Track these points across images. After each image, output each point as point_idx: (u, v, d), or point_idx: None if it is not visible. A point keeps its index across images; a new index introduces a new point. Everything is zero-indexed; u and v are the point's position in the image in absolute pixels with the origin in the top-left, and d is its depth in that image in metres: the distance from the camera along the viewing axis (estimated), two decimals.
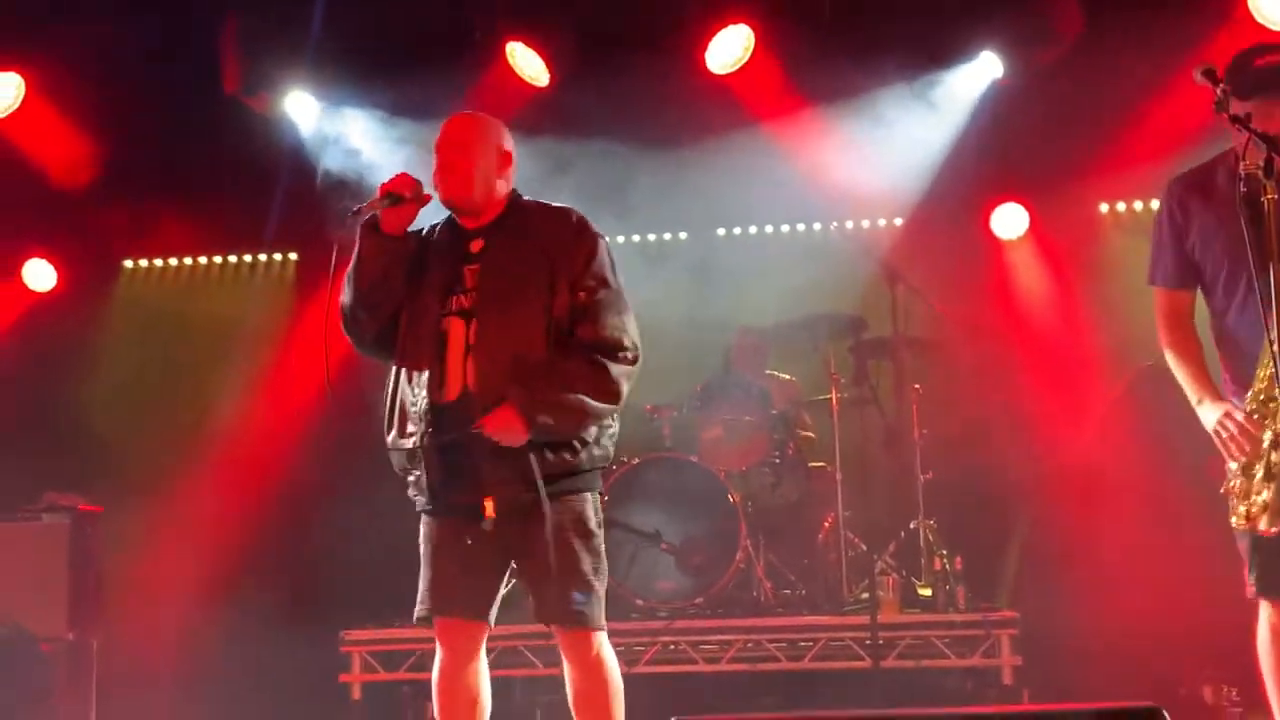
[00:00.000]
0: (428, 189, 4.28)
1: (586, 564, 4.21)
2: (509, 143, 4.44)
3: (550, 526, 4.11)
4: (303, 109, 8.01)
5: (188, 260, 9.34)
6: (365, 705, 6.97)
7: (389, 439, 4.30)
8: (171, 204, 8.59)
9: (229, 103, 7.93)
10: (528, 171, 7.08)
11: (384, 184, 4.23)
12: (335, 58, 7.72)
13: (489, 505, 4.10)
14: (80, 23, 7.65)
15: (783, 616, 7.05)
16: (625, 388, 4.20)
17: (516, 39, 7.70)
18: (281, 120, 8.05)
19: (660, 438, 7.59)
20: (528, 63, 7.81)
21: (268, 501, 8.28)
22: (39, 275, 8.96)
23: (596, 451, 4.26)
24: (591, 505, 4.27)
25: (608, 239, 4.40)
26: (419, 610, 4.27)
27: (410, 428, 4.21)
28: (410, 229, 4.32)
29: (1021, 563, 7.65)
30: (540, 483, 4.09)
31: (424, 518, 4.33)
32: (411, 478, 4.29)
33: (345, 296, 4.34)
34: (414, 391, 4.21)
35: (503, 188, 4.38)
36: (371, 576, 7.60)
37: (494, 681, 6.56)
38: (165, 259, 9.34)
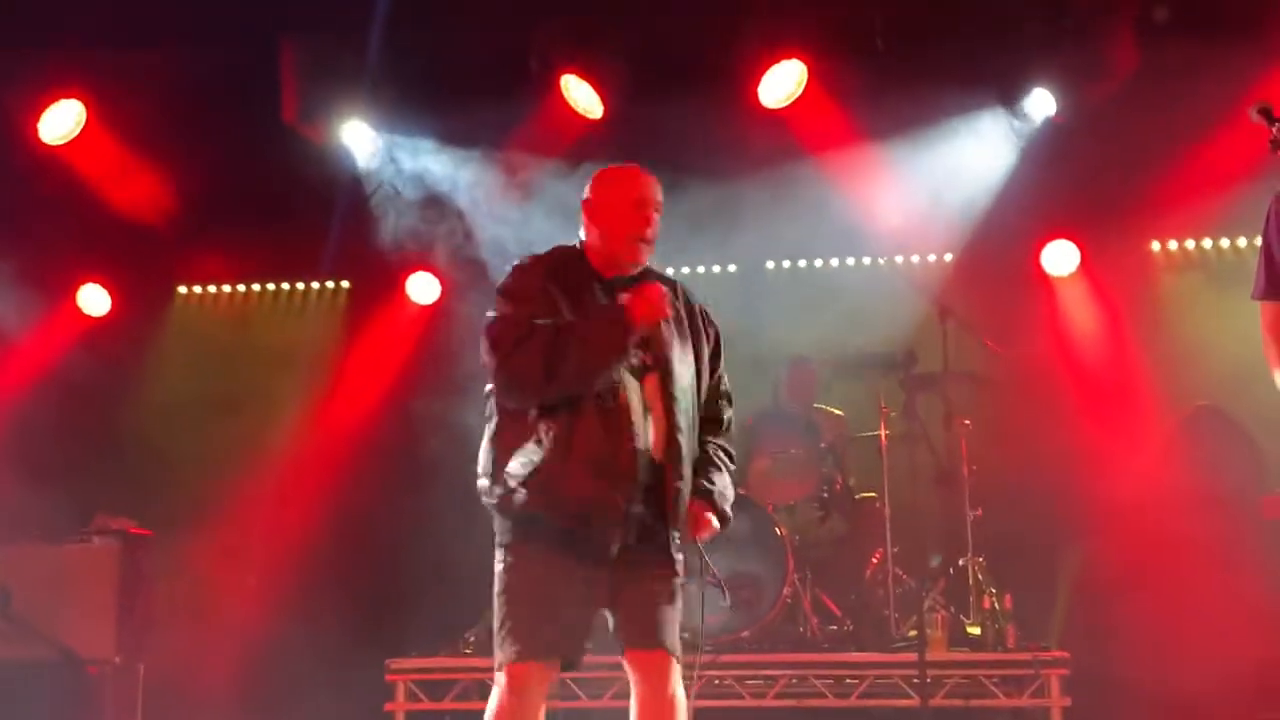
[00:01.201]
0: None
1: (679, 594, 4.36)
2: None
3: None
4: (359, 138, 8.07)
5: (241, 287, 9.40)
6: None
7: (561, 482, 4.10)
8: (226, 231, 8.66)
9: (286, 132, 8.00)
10: (577, 203, 7.14)
11: (654, 307, 4.16)
12: (392, 88, 7.78)
13: (678, 568, 4.32)
14: (141, 51, 7.76)
15: (830, 652, 7.00)
16: None
17: (571, 71, 7.74)
18: (338, 149, 8.11)
19: None
20: (582, 95, 7.84)
21: (317, 529, 8.31)
22: (94, 300, 9.04)
23: None
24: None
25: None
26: (522, 653, 4.11)
27: (604, 479, 4.08)
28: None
29: (1072, 602, 7.58)
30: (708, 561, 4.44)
31: (537, 560, 4.18)
32: (568, 523, 4.14)
33: (545, 373, 4.09)
34: (602, 445, 4.09)
35: None
36: (420, 606, 7.62)
37: None
38: (219, 285, 9.41)
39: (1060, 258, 8.38)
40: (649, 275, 4.35)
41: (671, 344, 4.24)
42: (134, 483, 8.23)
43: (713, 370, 4.43)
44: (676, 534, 4.26)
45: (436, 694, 7.02)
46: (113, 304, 9.07)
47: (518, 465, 4.13)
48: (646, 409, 4.17)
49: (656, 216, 4.30)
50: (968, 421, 7.55)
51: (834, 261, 8.95)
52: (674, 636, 4.25)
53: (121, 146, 8.36)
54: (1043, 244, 8.38)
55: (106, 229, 8.61)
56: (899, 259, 8.77)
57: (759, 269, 8.96)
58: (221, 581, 8.09)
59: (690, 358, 4.30)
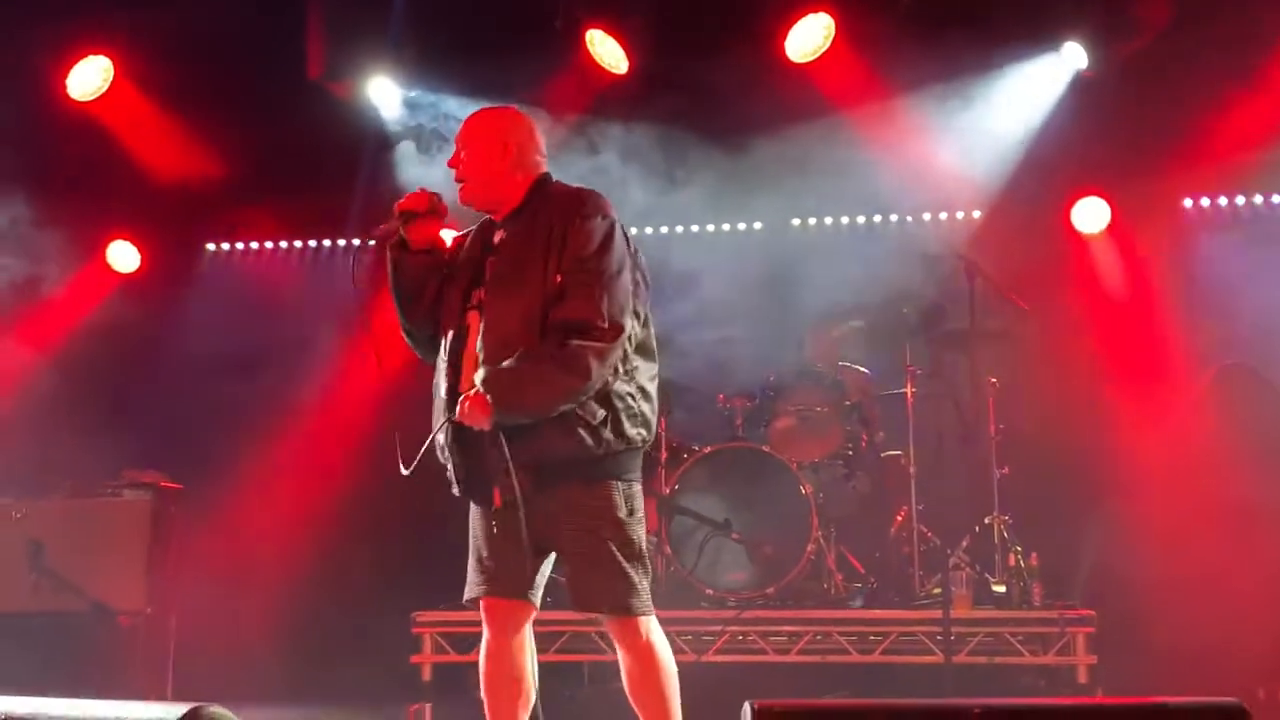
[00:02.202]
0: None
1: (617, 552, 4.15)
2: (518, 133, 4.38)
3: (523, 513, 4.07)
4: (385, 95, 8.06)
5: (269, 244, 9.42)
6: (435, 686, 7.01)
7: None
8: (254, 188, 8.68)
9: (313, 88, 8.00)
10: (603, 158, 7.12)
11: (399, 202, 4.38)
12: (417, 45, 7.78)
13: (496, 495, 4.17)
14: (168, 7, 7.76)
15: (854, 609, 7.01)
16: (595, 365, 4.04)
17: (596, 26, 7.71)
18: (364, 106, 8.11)
19: (732, 427, 7.58)
20: (607, 50, 7.82)
21: (344, 483, 8.36)
22: (123, 257, 9.08)
23: (610, 435, 4.15)
24: (621, 492, 4.21)
25: (614, 222, 4.28)
26: (467, 592, 4.34)
27: (442, 420, 4.25)
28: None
29: (1098, 560, 7.56)
30: (511, 466, 4.03)
31: (472, 503, 4.40)
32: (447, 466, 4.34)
33: (396, 311, 4.51)
34: (440, 385, 4.32)
35: (519, 178, 4.34)
36: (445, 558, 7.66)
37: (563, 666, 6.63)
38: (247, 242, 9.43)
39: (1091, 214, 8.31)
40: (525, 206, 4.36)
41: (494, 276, 4.27)
42: (164, 438, 8.27)
43: (561, 271, 4.15)
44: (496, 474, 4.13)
45: (462, 646, 7.06)
46: (142, 260, 9.11)
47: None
48: (458, 333, 4.29)
49: (452, 162, 4.39)
50: (995, 380, 7.53)
51: (860, 219, 8.91)
52: (602, 595, 4.16)
53: (149, 103, 8.40)
54: (1073, 201, 8.31)
55: (135, 186, 8.65)
56: (926, 216, 8.72)
57: (785, 226, 8.91)
58: (251, 534, 8.14)
59: (529, 278, 4.17)
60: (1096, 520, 7.70)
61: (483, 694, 4.38)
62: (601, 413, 4.13)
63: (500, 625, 4.32)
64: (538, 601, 4.31)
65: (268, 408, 8.54)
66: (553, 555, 4.32)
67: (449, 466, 4.30)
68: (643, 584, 4.20)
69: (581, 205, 4.22)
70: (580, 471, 4.15)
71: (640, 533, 4.24)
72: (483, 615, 4.35)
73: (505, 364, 4.05)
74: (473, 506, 4.38)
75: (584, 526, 4.14)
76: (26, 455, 7.60)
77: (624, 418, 4.18)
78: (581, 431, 4.11)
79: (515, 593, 4.25)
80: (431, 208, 4.33)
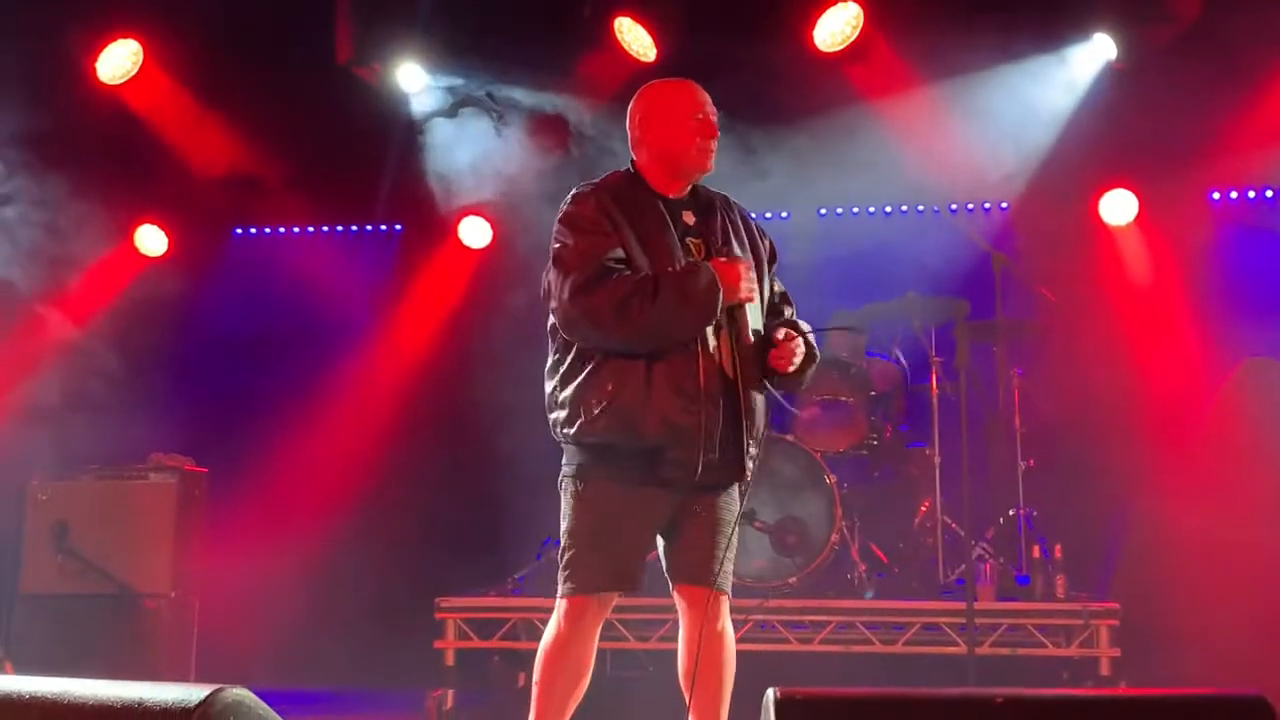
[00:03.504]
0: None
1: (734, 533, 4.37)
2: None
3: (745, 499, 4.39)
4: (413, 81, 8.07)
5: (295, 229, 9.45)
6: (458, 671, 7.04)
7: (635, 411, 4.12)
8: (283, 173, 8.70)
9: (341, 73, 8.02)
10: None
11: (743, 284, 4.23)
12: (445, 31, 7.77)
13: (747, 473, 4.29)
14: None
15: (877, 599, 7.00)
16: None
17: (625, 14, 7.70)
18: (392, 91, 8.12)
19: None
20: (635, 38, 7.80)
21: (369, 469, 8.39)
22: (151, 240, 9.11)
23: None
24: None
25: None
26: (598, 586, 4.20)
27: (682, 403, 4.09)
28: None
29: (1123, 553, 7.54)
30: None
31: (601, 490, 4.22)
32: (647, 453, 4.15)
33: (616, 320, 4.09)
34: (676, 367, 4.13)
35: None
36: (470, 544, 7.69)
37: None
38: (274, 228, 9.46)
39: (1118, 207, 8.26)
40: (702, 193, 4.42)
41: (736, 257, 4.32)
42: (190, 422, 8.31)
43: (772, 279, 4.49)
44: (752, 444, 4.25)
45: (485, 632, 7.08)
46: (169, 244, 9.13)
47: (594, 394, 4.14)
48: (718, 327, 4.20)
49: (716, 121, 4.34)
50: (1021, 371, 7.51)
51: (888, 208, 8.87)
52: (728, 574, 4.29)
53: (177, 87, 8.41)
54: (1101, 193, 8.26)
55: (163, 170, 8.66)
56: (954, 207, 8.68)
57: (812, 216, 8.89)
58: (276, 518, 8.17)
59: (756, 273, 4.33)
60: (1122, 513, 7.68)
61: (538, 685, 4.30)
62: None
63: (592, 622, 4.26)
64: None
65: (294, 393, 8.57)
66: None
67: (701, 446, 4.13)
68: None
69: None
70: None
71: None
72: (576, 607, 4.21)
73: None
74: (619, 489, 4.20)
75: (735, 510, 4.35)
76: (53, 438, 7.63)
77: None
78: None
79: (626, 591, 4.28)
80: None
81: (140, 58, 8.24)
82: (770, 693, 2.82)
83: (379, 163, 8.59)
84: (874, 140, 7.77)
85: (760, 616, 6.85)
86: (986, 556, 7.12)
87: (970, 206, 8.65)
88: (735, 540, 4.33)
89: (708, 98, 4.39)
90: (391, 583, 8.02)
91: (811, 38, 7.74)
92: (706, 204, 4.39)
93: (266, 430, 8.44)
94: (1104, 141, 7.93)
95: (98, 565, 7.30)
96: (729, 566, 4.29)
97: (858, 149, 7.68)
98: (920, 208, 8.73)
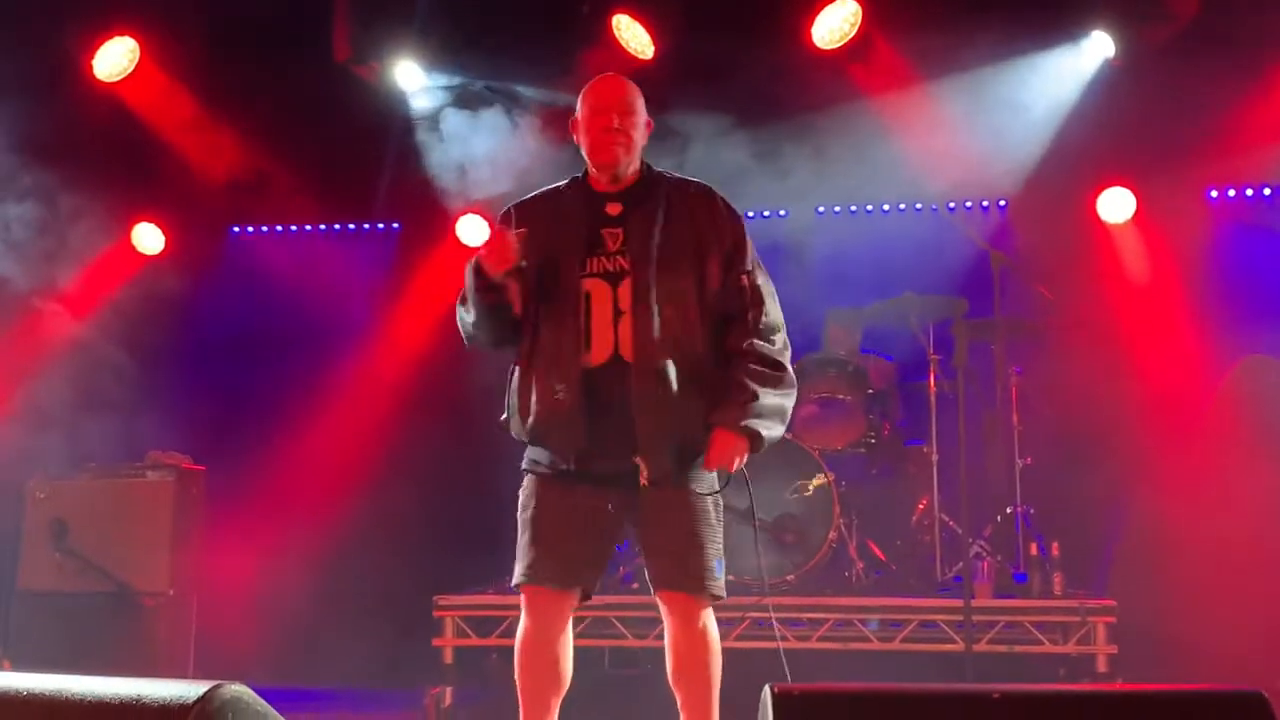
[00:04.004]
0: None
1: (719, 534, 4.23)
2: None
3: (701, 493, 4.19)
4: (411, 79, 8.07)
5: (293, 228, 9.44)
6: (456, 669, 7.04)
7: (529, 400, 4.20)
8: (278, 172, 8.69)
9: (340, 72, 8.01)
10: None
11: (489, 259, 4.15)
12: (443, 28, 7.77)
13: (643, 473, 4.10)
14: None
15: (875, 596, 7.01)
16: (793, 373, 4.28)
17: (623, 11, 7.70)
18: (390, 90, 8.12)
19: None
20: (633, 35, 7.80)
21: (367, 467, 8.39)
22: (148, 238, 9.10)
23: None
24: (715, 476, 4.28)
25: None
26: (524, 577, 4.24)
27: (558, 387, 4.12)
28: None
29: (1120, 551, 7.54)
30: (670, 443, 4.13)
31: (535, 482, 4.30)
32: (538, 441, 4.24)
33: (463, 317, 4.40)
34: (559, 352, 4.15)
35: (639, 154, 4.40)
36: (467, 542, 7.68)
37: (585, 651, 6.62)
38: (271, 226, 9.45)
39: (1117, 205, 8.26)
40: (655, 182, 4.36)
41: (651, 246, 4.19)
42: (188, 420, 8.31)
43: (730, 268, 4.24)
44: (649, 438, 4.09)
45: (484, 630, 7.08)
46: (167, 243, 9.13)
47: (509, 395, 4.31)
48: (619, 314, 4.14)
49: (618, 117, 4.27)
50: (1019, 369, 7.51)
51: (885, 206, 8.88)
52: (698, 576, 4.15)
53: (175, 85, 8.40)
54: (1099, 191, 8.27)
55: (161, 168, 8.65)
56: (952, 204, 8.69)
57: (809, 214, 8.89)
58: (274, 516, 8.17)
59: (687, 259, 4.19)
60: (1118, 511, 7.69)
61: (518, 683, 4.34)
62: None
63: (553, 615, 4.27)
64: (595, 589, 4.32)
65: (292, 390, 8.58)
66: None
67: (560, 437, 4.17)
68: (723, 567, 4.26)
69: (726, 202, 4.35)
70: (702, 460, 4.18)
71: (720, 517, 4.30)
72: (528, 602, 4.27)
73: (734, 393, 4.13)
74: (545, 487, 4.26)
75: (703, 508, 4.18)
76: (51, 436, 7.63)
77: None
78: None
79: (584, 581, 4.26)
80: (516, 249, 4.16)
81: (137, 55, 8.23)
82: (767, 690, 2.83)
83: (377, 161, 8.59)
84: (872, 138, 7.77)
85: (757, 614, 6.85)
86: (984, 554, 7.13)
87: (968, 204, 8.66)
88: (711, 538, 4.19)
89: (615, 93, 4.36)
90: (390, 581, 8.01)
91: (810, 35, 7.74)
92: (646, 194, 4.32)
93: (265, 428, 8.46)
94: (1102, 139, 7.93)
95: (96, 563, 7.30)
96: (707, 564, 4.16)
97: (856, 147, 7.68)
98: (918, 206, 8.73)
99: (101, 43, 8.20)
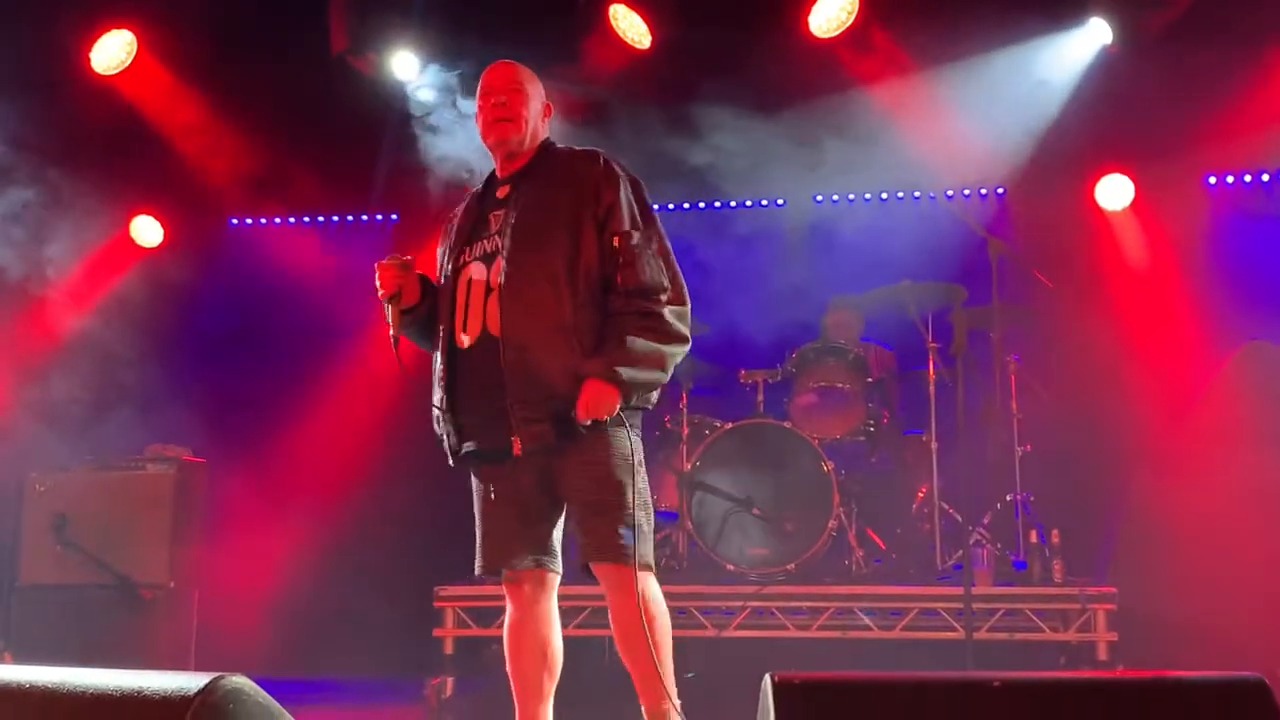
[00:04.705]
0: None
1: (630, 499, 4.08)
2: (544, 94, 4.49)
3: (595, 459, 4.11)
4: (408, 70, 8.06)
5: (291, 220, 9.44)
6: (457, 660, 7.04)
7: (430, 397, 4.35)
8: (278, 163, 8.69)
9: (336, 63, 8.01)
10: (626, 133, 7.11)
11: (382, 293, 4.30)
12: (439, 19, 7.77)
13: (516, 443, 4.07)
14: None
15: (875, 585, 7.01)
16: (684, 327, 4.16)
17: (620, 1, 7.69)
18: (387, 80, 8.11)
19: (754, 404, 7.58)
20: (630, 25, 7.81)
21: (366, 457, 8.39)
22: (147, 231, 9.10)
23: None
24: (630, 441, 4.14)
25: (635, 185, 4.32)
26: (478, 568, 4.33)
27: (435, 391, 4.28)
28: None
29: (1120, 538, 7.55)
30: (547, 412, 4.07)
31: (471, 474, 4.38)
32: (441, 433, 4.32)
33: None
34: (438, 342, 4.29)
35: (538, 135, 4.40)
36: (467, 533, 7.68)
37: (586, 641, 6.64)
38: (270, 218, 9.45)
39: (1115, 191, 8.27)
40: (538, 161, 4.37)
41: (522, 219, 4.20)
42: (187, 412, 8.31)
43: (603, 231, 4.16)
44: (522, 405, 4.06)
45: (484, 620, 7.08)
46: (165, 235, 9.13)
47: None
48: (489, 291, 4.16)
49: (505, 94, 4.31)
50: (1018, 357, 7.52)
51: (884, 194, 8.87)
52: (612, 544, 4.05)
53: (172, 77, 8.41)
54: (1097, 177, 8.27)
55: (158, 161, 8.66)
56: (950, 192, 8.68)
57: (807, 202, 8.89)
58: (273, 508, 8.18)
59: (561, 227, 4.16)
60: (1118, 498, 7.69)
61: (508, 669, 4.34)
62: None
63: (523, 597, 4.27)
64: (559, 567, 4.29)
65: (291, 381, 8.59)
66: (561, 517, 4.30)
67: (445, 429, 4.28)
68: (649, 534, 4.16)
69: (607, 164, 4.27)
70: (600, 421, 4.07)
71: (647, 483, 4.21)
72: (505, 590, 4.32)
73: (606, 346, 4.06)
74: (473, 477, 4.38)
75: (604, 473, 4.09)
76: (51, 429, 7.63)
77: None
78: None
79: (534, 562, 4.25)
80: (404, 270, 4.30)
81: (134, 48, 8.24)
82: (768, 679, 2.83)
83: (375, 152, 8.59)
84: (870, 126, 7.76)
85: (758, 603, 6.86)
86: (984, 542, 7.13)
87: (966, 192, 8.66)
88: (620, 503, 4.06)
89: (504, 76, 4.38)
90: (390, 571, 8.01)
91: (807, 23, 7.75)
92: (533, 171, 4.35)
93: (265, 419, 8.46)
94: (1100, 126, 7.93)
95: (96, 556, 7.30)
96: (616, 530, 4.05)
97: (854, 135, 7.68)
98: (916, 194, 8.72)
99: (99, 36, 8.20)
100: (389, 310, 4.28)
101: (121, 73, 8.31)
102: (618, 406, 4.02)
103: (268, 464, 8.29)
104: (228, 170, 8.73)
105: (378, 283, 4.28)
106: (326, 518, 8.20)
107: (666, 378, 4.15)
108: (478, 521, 4.35)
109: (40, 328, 8.28)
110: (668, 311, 4.12)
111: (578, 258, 4.13)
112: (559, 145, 4.44)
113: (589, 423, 4.01)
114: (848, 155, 7.75)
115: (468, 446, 4.23)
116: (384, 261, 4.30)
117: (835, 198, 8.90)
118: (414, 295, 4.32)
